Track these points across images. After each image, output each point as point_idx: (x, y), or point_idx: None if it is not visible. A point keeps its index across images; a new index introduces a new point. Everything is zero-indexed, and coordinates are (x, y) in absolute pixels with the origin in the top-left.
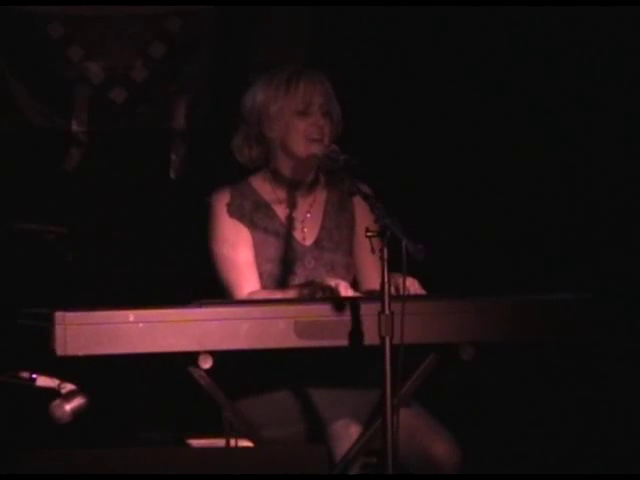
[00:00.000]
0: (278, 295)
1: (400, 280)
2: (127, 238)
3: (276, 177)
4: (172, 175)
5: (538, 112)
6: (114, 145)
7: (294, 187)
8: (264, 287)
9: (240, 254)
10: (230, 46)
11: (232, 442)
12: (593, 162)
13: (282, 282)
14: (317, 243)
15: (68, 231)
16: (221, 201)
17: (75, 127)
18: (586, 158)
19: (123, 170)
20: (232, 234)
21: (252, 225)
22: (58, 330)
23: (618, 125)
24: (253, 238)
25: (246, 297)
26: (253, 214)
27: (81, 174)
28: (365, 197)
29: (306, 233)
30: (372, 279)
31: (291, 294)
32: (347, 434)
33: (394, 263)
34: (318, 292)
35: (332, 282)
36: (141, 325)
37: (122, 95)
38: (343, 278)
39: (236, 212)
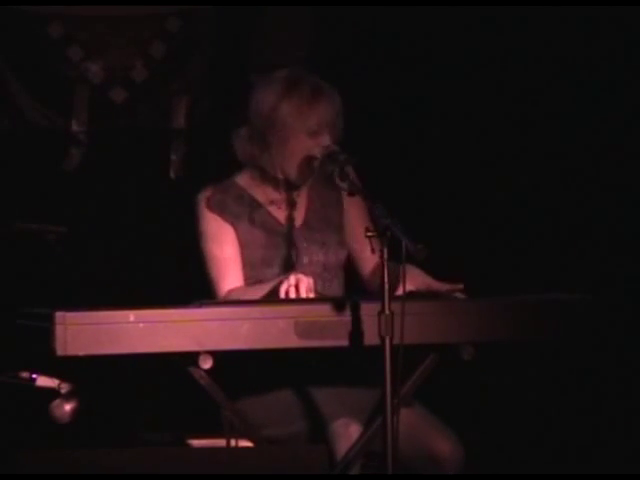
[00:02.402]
0: (250, 294)
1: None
2: (127, 238)
3: (264, 176)
4: (172, 175)
5: (537, 112)
6: (114, 145)
7: (283, 186)
8: (259, 274)
9: (221, 250)
10: (230, 46)
11: (232, 442)
12: (592, 162)
13: (278, 266)
14: (306, 224)
15: (68, 231)
16: (203, 198)
17: (75, 127)
18: (586, 158)
19: (123, 170)
20: (213, 229)
21: (235, 218)
22: (58, 330)
23: (617, 125)
24: (238, 230)
25: (225, 295)
26: (235, 206)
27: (81, 174)
28: (365, 197)
29: (293, 216)
30: (369, 258)
31: (264, 289)
32: (348, 434)
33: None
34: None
35: (292, 279)
36: (141, 325)
37: (122, 95)
38: (336, 254)
39: (216, 206)
